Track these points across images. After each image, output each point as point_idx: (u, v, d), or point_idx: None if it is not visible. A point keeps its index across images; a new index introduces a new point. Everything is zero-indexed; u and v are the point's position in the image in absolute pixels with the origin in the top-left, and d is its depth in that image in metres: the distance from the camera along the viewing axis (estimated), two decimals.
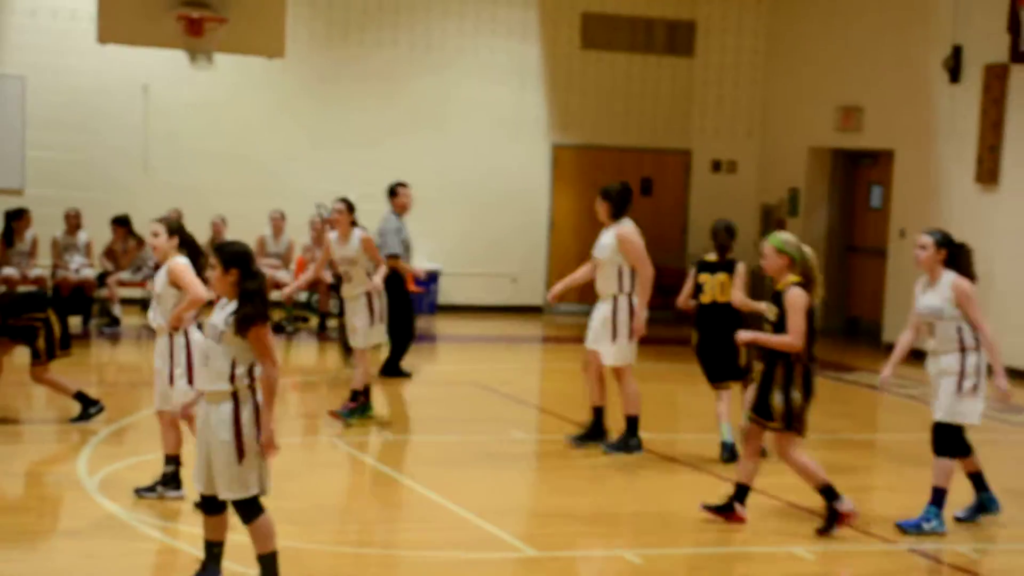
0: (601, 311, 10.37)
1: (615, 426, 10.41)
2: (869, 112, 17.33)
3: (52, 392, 10.44)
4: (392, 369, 13.36)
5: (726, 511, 8.15)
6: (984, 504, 8.37)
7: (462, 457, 10.16)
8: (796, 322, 7.71)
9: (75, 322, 14.28)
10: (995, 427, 11.02)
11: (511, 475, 9.92)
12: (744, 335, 8.19)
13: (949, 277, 8.13)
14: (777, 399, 7.84)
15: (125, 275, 15.87)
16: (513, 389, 13.22)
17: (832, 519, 7.97)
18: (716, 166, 19.66)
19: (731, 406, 10.37)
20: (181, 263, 8.11)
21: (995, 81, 15.17)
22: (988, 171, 15.32)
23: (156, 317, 7.98)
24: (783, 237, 8.01)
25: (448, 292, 18.48)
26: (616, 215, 10.39)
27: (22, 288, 14.72)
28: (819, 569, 7.54)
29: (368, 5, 18.02)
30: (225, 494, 6.15)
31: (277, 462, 8.53)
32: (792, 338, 7.73)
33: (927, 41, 16.18)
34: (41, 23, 16.73)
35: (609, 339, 10.18)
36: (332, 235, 11.17)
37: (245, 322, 6.09)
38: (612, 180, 19.20)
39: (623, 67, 19.22)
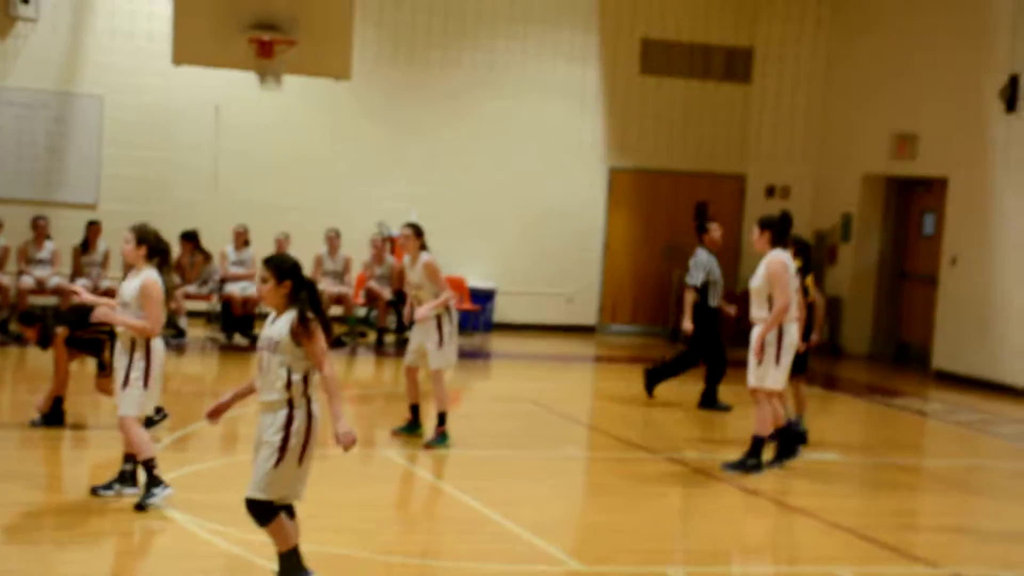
0: (753, 337, 10.42)
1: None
2: (924, 140, 17.26)
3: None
4: (710, 401, 13.22)
5: None
6: None
7: (513, 472, 10.15)
8: None
9: None
10: None
11: (560, 490, 9.91)
12: None
13: None
14: None
15: (192, 288, 16.00)
16: (566, 407, 13.21)
17: None
18: (770, 191, 19.59)
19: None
20: (153, 285, 8.10)
21: None
22: None
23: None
24: None
25: (503, 310, 18.45)
26: (775, 243, 10.39)
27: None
28: None
29: (433, 28, 18.13)
30: (249, 492, 6.16)
31: (332, 471, 8.62)
32: None
33: (983, 70, 16.10)
34: (119, 44, 16.93)
35: (756, 363, 10.31)
36: (405, 258, 11.00)
37: (302, 330, 6.12)
38: (670, 208, 19.38)
39: (681, 92, 19.25)
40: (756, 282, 10.33)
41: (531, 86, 18.61)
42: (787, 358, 10.29)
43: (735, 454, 10.64)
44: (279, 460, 6.11)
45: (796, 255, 10.86)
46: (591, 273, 19.05)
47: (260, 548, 7.04)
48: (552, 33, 18.64)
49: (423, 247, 10.79)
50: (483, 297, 17.91)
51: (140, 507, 8.02)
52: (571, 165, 18.84)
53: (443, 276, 10.88)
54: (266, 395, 6.22)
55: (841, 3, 19.19)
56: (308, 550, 6.41)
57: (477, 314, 17.69)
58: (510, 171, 18.51)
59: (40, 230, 15.71)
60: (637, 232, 19.32)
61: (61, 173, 17.07)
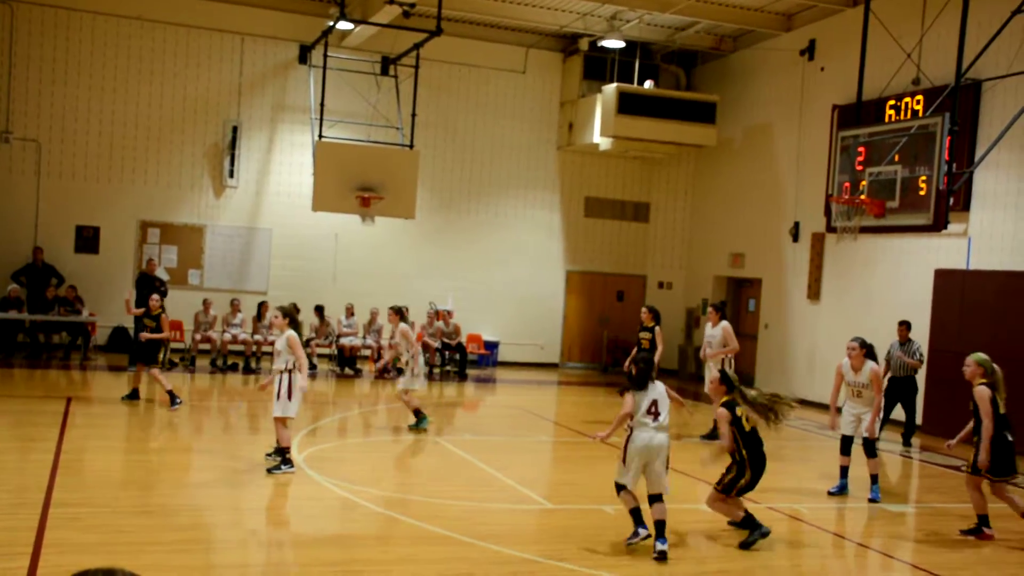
0: (712, 370, 10.34)
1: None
2: (748, 256, 17.39)
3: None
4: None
5: (976, 532, 6.93)
6: None
7: (508, 448, 9.85)
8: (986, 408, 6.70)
9: None
10: None
11: (536, 459, 9.71)
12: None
13: None
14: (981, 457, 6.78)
15: (320, 341, 15.91)
16: (540, 411, 12.93)
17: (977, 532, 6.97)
18: (661, 284, 19.45)
19: None
20: (293, 337, 7.68)
21: (817, 242, 15.46)
22: (814, 292, 15.50)
23: None
24: (981, 356, 6.81)
25: (504, 353, 18.33)
26: (722, 318, 10.62)
27: (264, 349, 14.90)
28: None
29: (463, 189, 18.09)
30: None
31: (404, 454, 8.74)
32: (986, 421, 6.71)
33: (780, 218, 16.43)
34: (282, 199, 17.08)
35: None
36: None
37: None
38: (602, 294, 19.24)
39: (608, 228, 19.21)
40: (715, 339, 10.58)
41: (520, 224, 18.54)
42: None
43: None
44: (623, 459, 5.86)
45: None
46: (555, 331, 18.88)
47: (358, 493, 6.95)
48: (532, 193, 18.57)
49: (404, 320, 10.22)
50: (492, 346, 17.75)
51: (271, 471, 7.71)
52: (544, 269, 18.74)
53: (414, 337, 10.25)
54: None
55: (698, 178, 19.05)
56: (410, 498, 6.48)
57: (488, 356, 17.52)
58: (508, 273, 18.40)
59: (235, 306, 15.78)
60: (582, 308, 19.12)
61: (247, 273, 17.01)
